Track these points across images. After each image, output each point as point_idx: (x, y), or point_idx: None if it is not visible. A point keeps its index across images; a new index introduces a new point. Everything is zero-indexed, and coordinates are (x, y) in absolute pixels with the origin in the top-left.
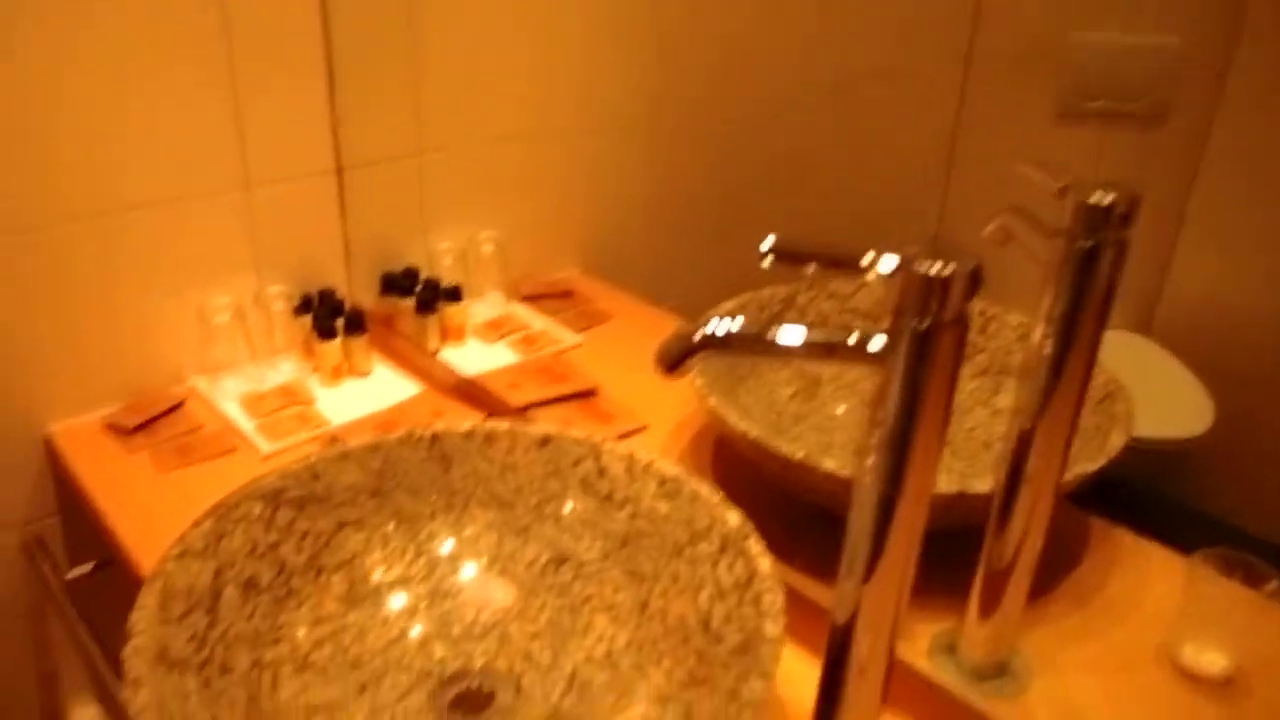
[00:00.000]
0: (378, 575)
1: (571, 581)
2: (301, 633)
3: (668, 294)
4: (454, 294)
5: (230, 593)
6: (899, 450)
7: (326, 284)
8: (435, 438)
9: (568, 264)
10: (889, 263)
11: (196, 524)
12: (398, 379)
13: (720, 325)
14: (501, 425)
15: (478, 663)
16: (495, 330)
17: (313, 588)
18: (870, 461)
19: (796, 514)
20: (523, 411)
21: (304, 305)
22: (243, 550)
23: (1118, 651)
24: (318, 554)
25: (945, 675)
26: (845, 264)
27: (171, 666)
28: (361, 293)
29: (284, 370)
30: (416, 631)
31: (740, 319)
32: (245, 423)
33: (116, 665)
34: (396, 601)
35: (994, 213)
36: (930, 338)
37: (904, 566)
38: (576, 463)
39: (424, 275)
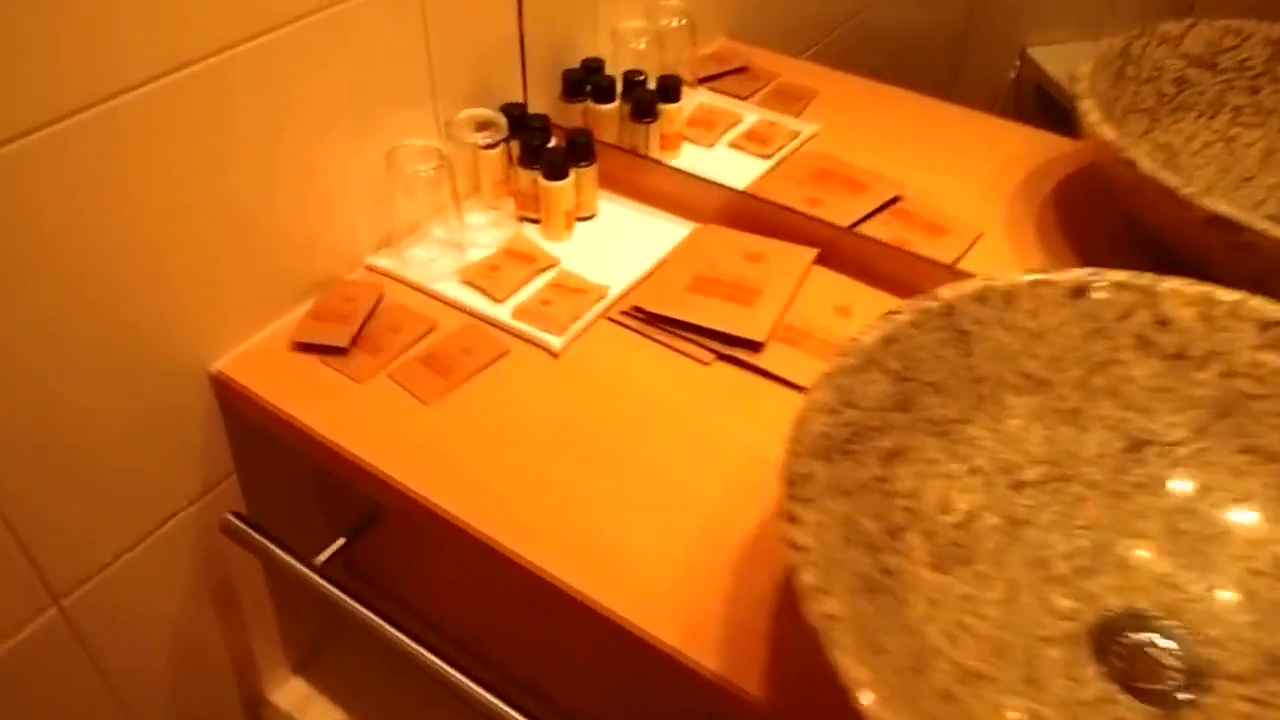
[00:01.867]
0: (946, 519)
1: (1166, 472)
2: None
3: (835, 45)
4: (672, 91)
5: None
6: None
7: (504, 99)
8: (949, 309)
9: (712, 31)
10: None
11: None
12: (637, 214)
13: None
14: (1016, 280)
15: (1112, 604)
16: (707, 129)
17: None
18: None
19: None
20: (852, 230)
21: (484, 129)
22: None
23: None
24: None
25: None
26: None
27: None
28: (540, 102)
29: (488, 225)
30: (1021, 582)
31: None
32: (494, 309)
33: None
34: (978, 548)
35: None
36: None
37: None
38: (1124, 315)
39: (608, 68)
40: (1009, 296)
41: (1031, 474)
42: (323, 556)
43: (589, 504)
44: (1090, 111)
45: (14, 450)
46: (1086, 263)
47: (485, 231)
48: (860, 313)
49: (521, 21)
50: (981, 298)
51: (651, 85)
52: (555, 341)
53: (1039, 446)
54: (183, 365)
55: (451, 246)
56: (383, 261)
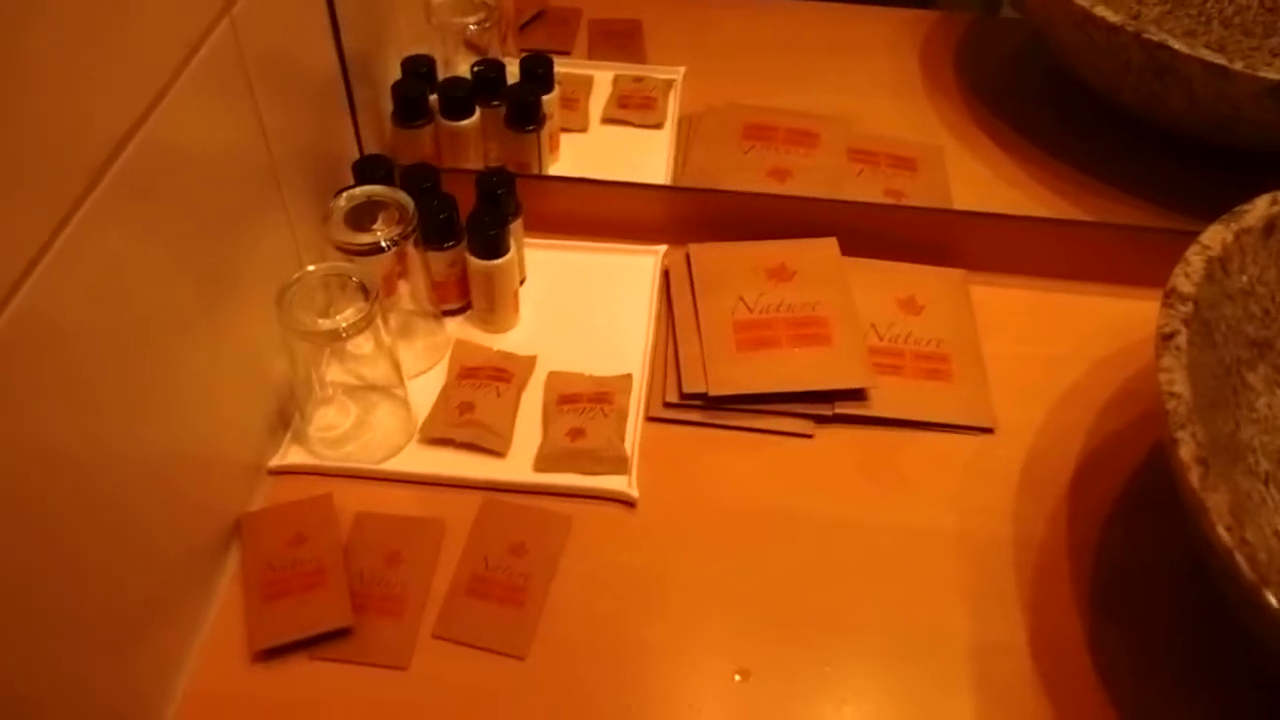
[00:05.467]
0: None
1: None
2: None
3: None
4: (547, 77)
5: None
6: None
7: (341, 155)
8: (1196, 305)
9: None
10: None
11: None
12: (574, 256)
13: None
14: (1226, 239)
15: None
16: (569, 108)
17: None
18: None
19: None
20: (851, 202)
21: (354, 219)
22: None
23: None
24: None
25: None
26: None
27: None
28: (369, 134)
29: (400, 338)
30: None
31: None
32: (508, 470)
33: None
34: None
35: None
36: None
37: None
38: None
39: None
40: (1224, 262)
41: None
42: None
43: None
44: None
45: None
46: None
47: (403, 350)
48: (927, 299)
49: (337, 31)
50: (1210, 275)
51: (511, 76)
52: (624, 484)
53: None
54: None
55: (372, 393)
56: (293, 456)
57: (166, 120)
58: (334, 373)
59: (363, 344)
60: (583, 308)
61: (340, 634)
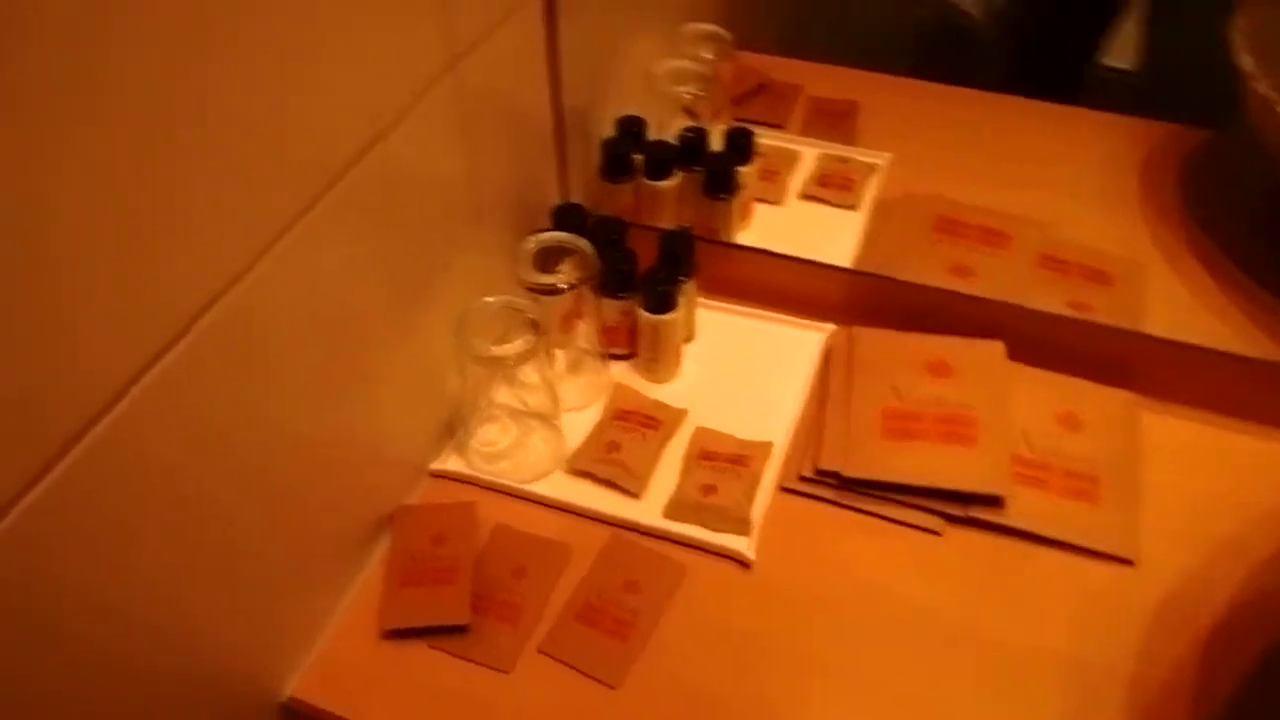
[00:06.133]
0: None
1: None
2: None
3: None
4: (745, 148)
5: None
6: None
7: (542, 200)
8: None
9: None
10: None
11: None
12: (746, 322)
13: None
14: None
15: None
16: (769, 180)
17: None
18: None
19: None
20: (1031, 309)
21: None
22: None
23: None
24: None
25: None
26: None
27: None
28: (575, 185)
29: (565, 372)
30: None
31: None
32: (639, 511)
33: None
34: None
35: None
36: None
37: None
38: None
39: (652, 129)
40: None
41: None
42: None
43: None
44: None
45: None
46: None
47: (565, 383)
48: (1089, 418)
49: (556, 88)
50: None
51: (716, 144)
52: (743, 545)
53: None
54: (241, 706)
55: (533, 419)
56: (452, 463)
57: (391, 149)
58: (502, 395)
59: (530, 374)
60: (742, 372)
61: (458, 630)
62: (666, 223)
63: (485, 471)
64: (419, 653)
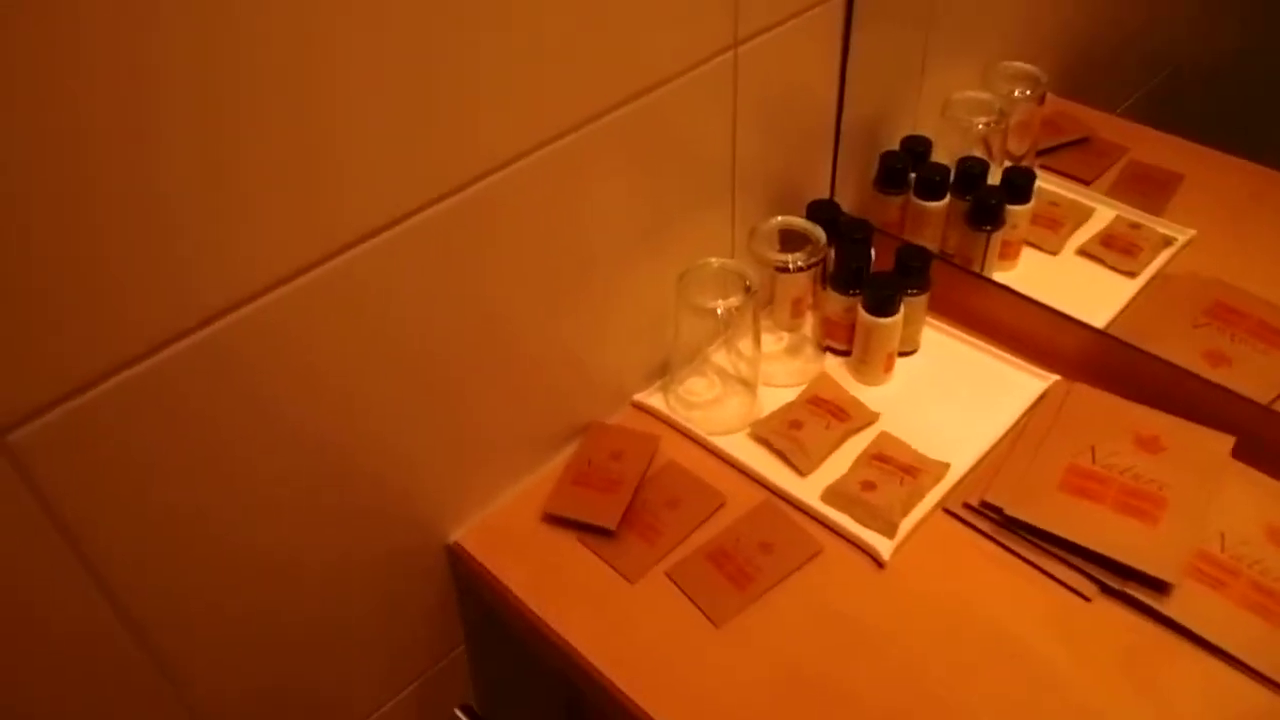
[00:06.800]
0: None
1: None
2: None
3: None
4: (1023, 189)
5: None
6: None
7: (807, 194)
8: None
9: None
10: None
11: None
12: (971, 352)
13: None
14: None
15: None
16: (1050, 228)
17: None
18: None
19: None
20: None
21: (787, 242)
22: None
23: None
24: None
25: None
26: None
27: None
28: (847, 189)
29: (782, 353)
30: None
31: None
32: (799, 487)
33: None
34: None
35: None
36: None
37: None
38: None
39: (936, 151)
40: None
41: None
42: None
43: None
44: None
45: (231, 609)
46: None
47: (779, 362)
48: None
49: (842, 93)
50: None
51: (994, 177)
52: (884, 546)
53: None
54: (416, 536)
55: (738, 383)
56: (654, 399)
57: (659, 103)
58: (718, 357)
59: (747, 346)
60: (948, 395)
61: (605, 533)
62: (929, 243)
63: (680, 415)
64: (567, 541)
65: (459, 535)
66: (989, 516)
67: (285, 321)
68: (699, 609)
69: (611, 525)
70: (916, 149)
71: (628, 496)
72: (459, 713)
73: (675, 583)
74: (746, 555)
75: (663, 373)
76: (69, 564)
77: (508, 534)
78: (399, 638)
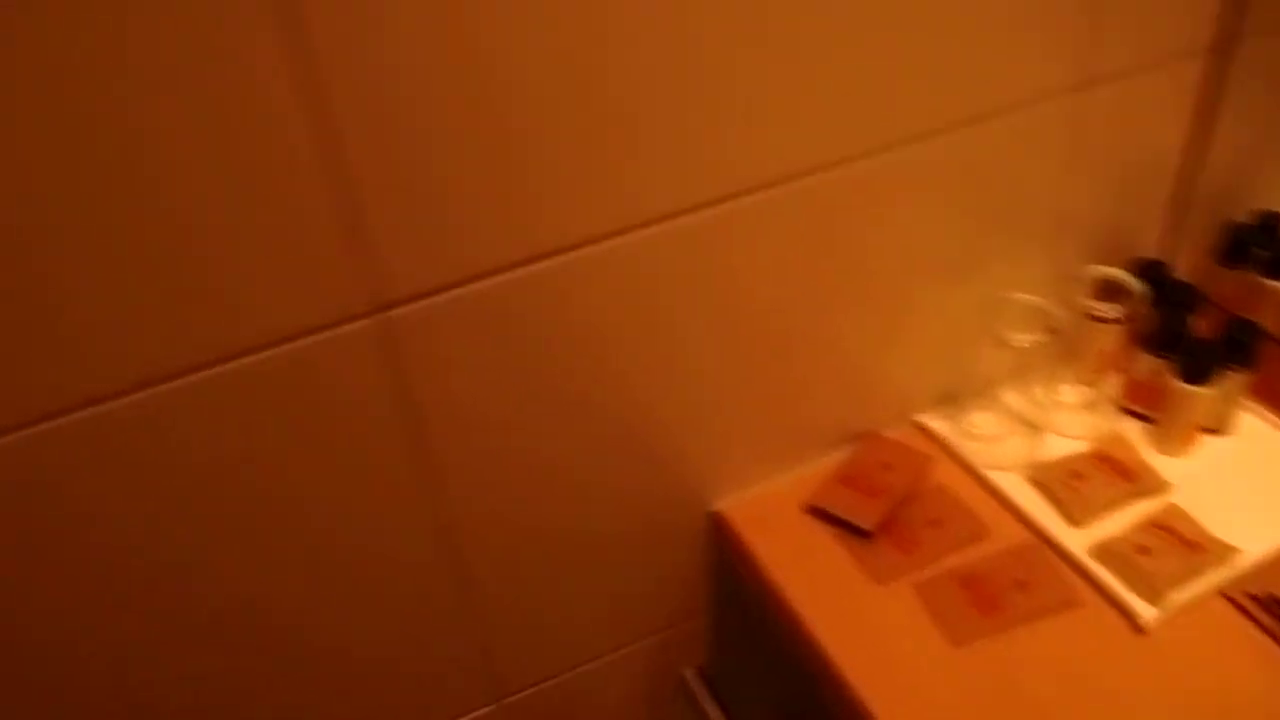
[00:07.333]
0: None
1: None
2: None
3: None
4: None
5: None
6: None
7: (1134, 251)
8: None
9: None
10: None
11: None
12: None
13: None
14: None
15: None
16: None
17: None
18: None
19: None
20: None
21: (1105, 294)
22: None
23: None
24: None
25: None
26: None
27: None
28: (1181, 256)
29: (1078, 407)
30: None
31: None
32: (1068, 535)
33: None
34: None
35: None
36: None
37: None
38: None
39: None
40: None
41: None
42: None
43: None
44: None
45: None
46: None
47: (1073, 415)
48: None
49: (1192, 155)
50: None
51: None
52: (1146, 611)
53: None
54: (685, 491)
55: (1025, 425)
56: (936, 423)
57: (982, 134)
58: (1010, 396)
59: (1038, 387)
60: (1254, 483)
61: (863, 534)
62: (1264, 321)
63: (959, 444)
64: (822, 535)
65: (723, 505)
66: (1273, 613)
67: (639, 262)
68: (940, 626)
69: (869, 526)
70: (1271, 224)
71: (890, 505)
72: (688, 675)
73: (921, 596)
74: (999, 587)
75: (949, 401)
76: (410, 445)
77: (768, 515)
78: (647, 588)
